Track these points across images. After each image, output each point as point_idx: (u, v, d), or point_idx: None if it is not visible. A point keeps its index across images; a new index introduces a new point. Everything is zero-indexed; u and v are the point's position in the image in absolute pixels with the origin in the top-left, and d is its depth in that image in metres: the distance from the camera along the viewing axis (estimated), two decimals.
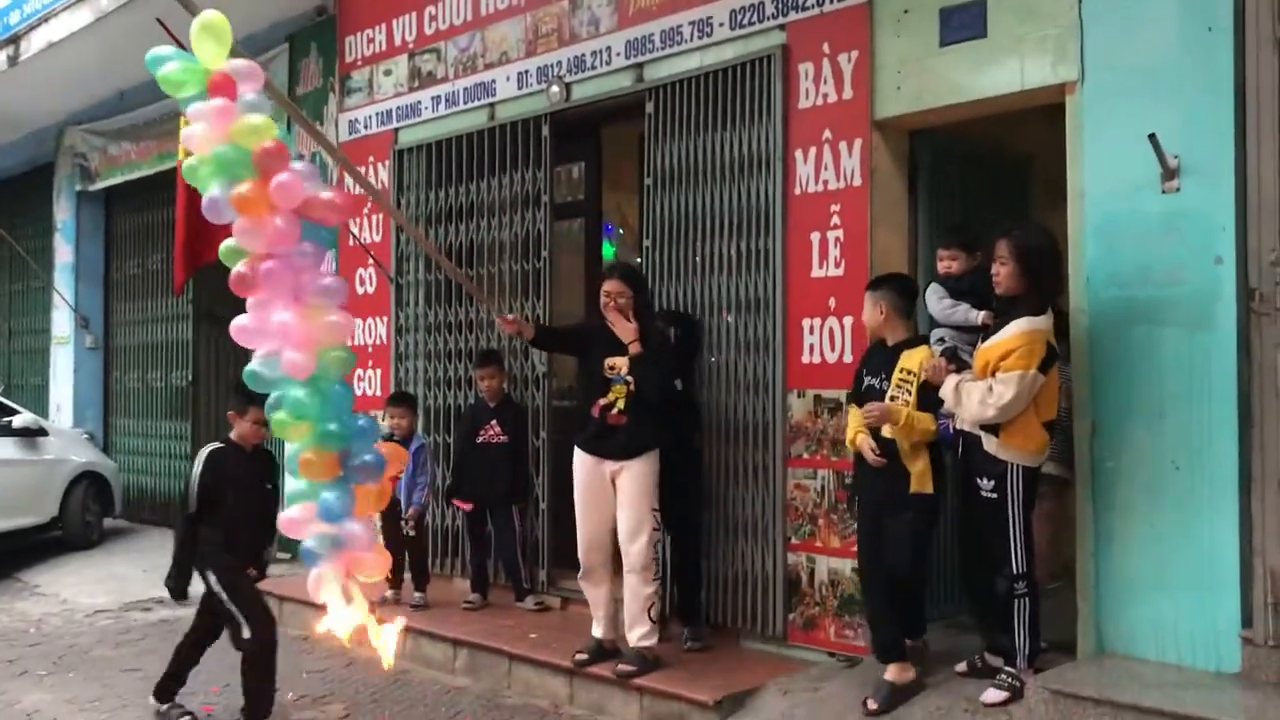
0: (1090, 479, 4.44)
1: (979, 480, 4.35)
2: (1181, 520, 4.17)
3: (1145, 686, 3.96)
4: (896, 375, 4.54)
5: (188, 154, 7.02)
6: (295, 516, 3.48)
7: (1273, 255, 3.88)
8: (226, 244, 3.42)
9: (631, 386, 5.12)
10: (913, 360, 4.51)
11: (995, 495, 4.29)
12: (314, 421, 3.40)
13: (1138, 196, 4.30)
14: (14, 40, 9.54)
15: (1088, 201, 4.49)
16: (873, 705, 4.42)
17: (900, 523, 4.47)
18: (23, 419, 9.32)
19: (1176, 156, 4.18)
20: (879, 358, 4.69)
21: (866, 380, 4.70)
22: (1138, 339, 4.30)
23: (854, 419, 4.75)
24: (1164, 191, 4.23)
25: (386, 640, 3.60)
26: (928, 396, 4.43)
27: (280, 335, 3.34)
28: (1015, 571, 4.27)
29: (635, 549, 5.11)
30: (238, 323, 3.44)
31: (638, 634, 5.16)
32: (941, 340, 4.72)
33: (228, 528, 4.98)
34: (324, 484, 3.44)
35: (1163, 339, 4.23)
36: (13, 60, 9.58)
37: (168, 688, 5.28)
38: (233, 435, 5.16)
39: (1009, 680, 4.29)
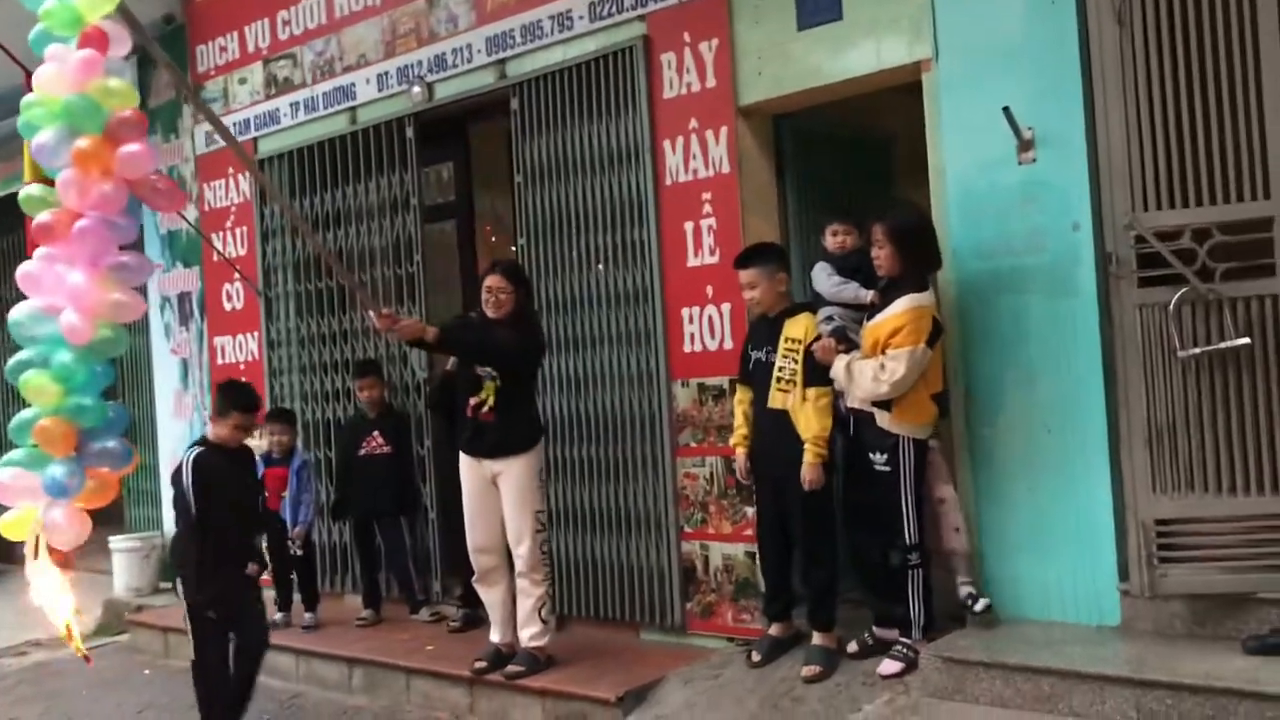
0: (967, 447, 4.54)
1: (871, 455, 4.41)
2: (1056, 481, 4.29)
3: (1033, 646, 4.06)
4: (782, 345, 4.58)
5: (35, 174, 6.74)
6: (7, 482, 3.31)
7: (1126, 220, 4.00)
8: (28, 191, 3.31)
9: (498, 382, 5.06)
10: (796, 328, 4.57)
11: (888, 469, 4.35)
12: (72, 391, 3.28)
13: (996, 169, 4.40)
14: None
15: (949, 177, 4.58)
16: (814, 671, 4.47)
17: (796, 494, 4.53)
18: None
19: (1030, 128, 4.29)
20: (763, 331, 4.72)
21: (753, 355, 4.74)
22: (1004, 308, 4.41)
23: (741, 400, 4.82)
24: (1020, 163, 4.34)
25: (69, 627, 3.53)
26: (813, 364, 4.48)
27: (69, 296, 3.22)
28: (908, 542, 4.34)
29: (521, 551, 5.06)
30: (25, 268, 3.29)
31: (528, 634, 5.12)
32: (830, 319, 4.75)
33: (221, 532, 4.82)
34: (54, 458, 3.29)
35: (1028, 306, 4.34)
36: None
37: None
38: (211, 437, 5.00)
39: (904, 651, 4.36)
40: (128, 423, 3.69)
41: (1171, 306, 3.90)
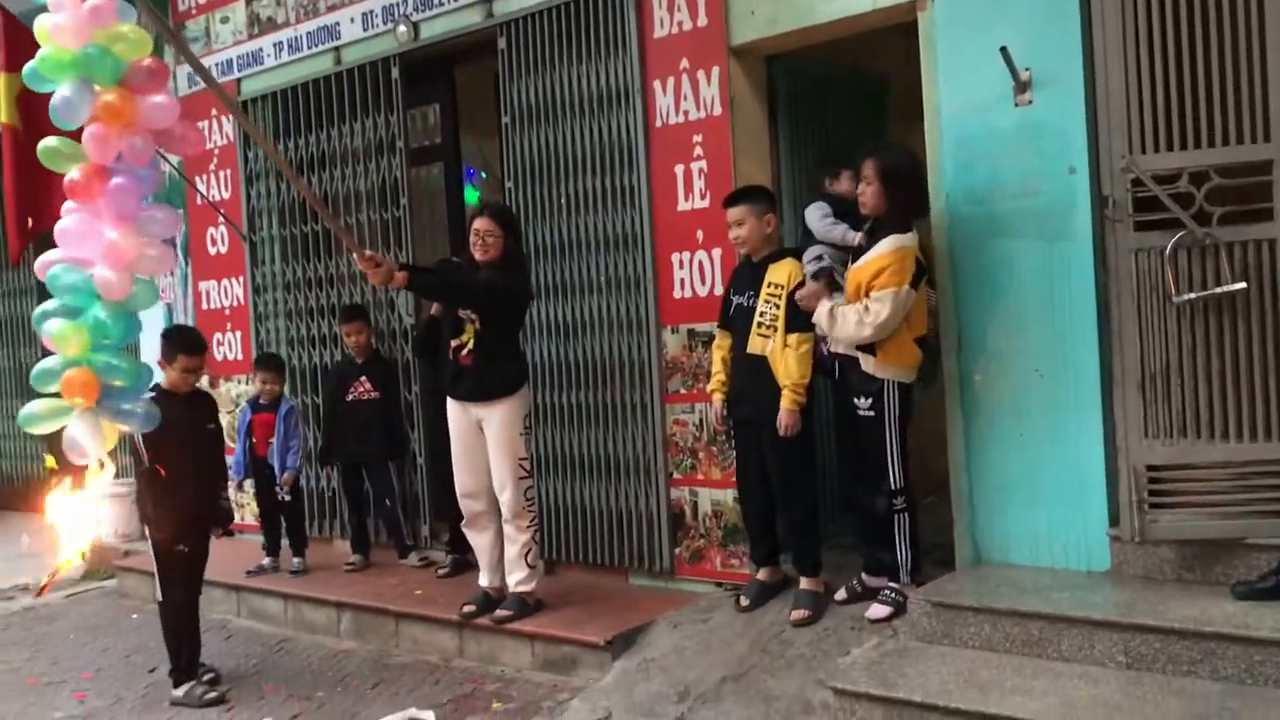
0: (959, 393, 4.51)
1: (856, 400, 4.38)
2: (1048, 427, 4.27)
3: (1022, 591, 4.07)
4: (765, 290, 4.55)
5: (13, 106, 6.57)
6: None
7: (1123, 163, 3.94)
8: (48, 143, 3.27)
9: (478, 325, 5.01)
10: (780, 273, 4.54)
11: (873, 413, 4.33)
12: (108, 346, 3.27)
13: (991, 111, 4.33)
14: None
15: (943, 118, 4.50)
16: (802, 615, 4.49)
17: (775, 439, 4.51)
18: None
19: (1028, 69, 4.22)
20: (746, 275, 4.69)
21: (735, 300, 4.71)
22: (997, 252, 4.36)
23: (719, 345, 4.80)
24: (1017, 105, 4.27)
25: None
26: (796, 311, 4.44)
27: (102, 253, 3.21)
28: (893, 487, 4.34)
29: (506, 497, 5.05)
30: (62, 225, 3.30)
31: (516, 579, 5.13)
32: (820, 258, 4.68)
33: (175, 479, 4.82)
34: (75, 409, 3.30)
35: (1022, 251, 4.29)
36: None
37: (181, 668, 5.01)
38: (163, 383, 4.92)
39: (893, 595, 4.37)
40: (149, 386, 3.70)
41: (1168, 251, 3.85)
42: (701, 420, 5.20)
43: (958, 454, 4.53)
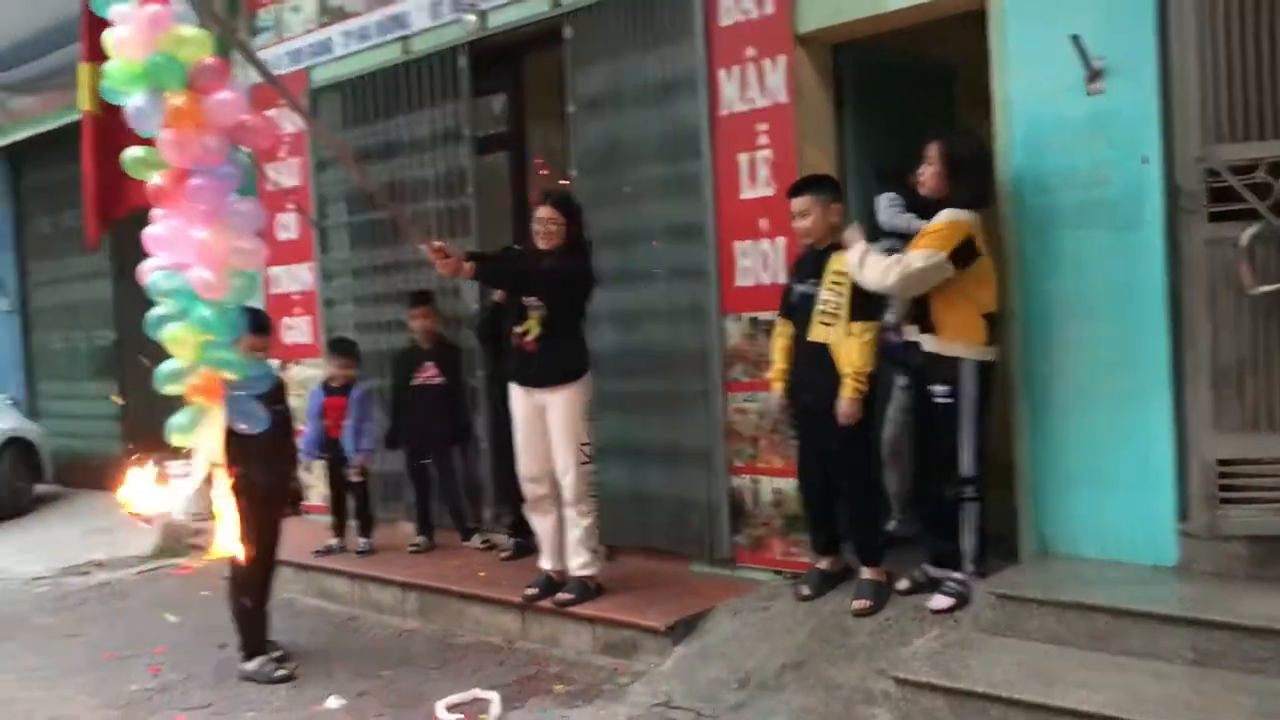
0: (1024, 382, 4.48)
1: (933, 388, 4.37)
2: (1116, 418, 4.22)
3: (1087, 584, 4.04)
4: (828, 278, 4.53)
5: (94, 95, 6.74)
6: None
7: (1198, 152, 3.89)
8: (133, 153, 3.35)
9: (542, 312, 5.06)
10: (844, 261, 4.49)
11: (949, 400, 4.32)
12: (217, 342, 3.36)
13: (1062, 100, 4.29)
14: None
15: (1013, 108, 4.46)
16: (864, 604, 4.49)
17: (835, 427, 4.49)
18: None
19: (1100, 58, 4.16)
20: (809, 263, 4.67)
21: (797, 289, 4.70)
22: (1066, 242, 4.31)
23: (781, 333, 4.79)
24: (1089, 94, 4.22)
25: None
26: (861, 299, 4.43)
27: (195, 253, 3.30)
28: (964, 475, 4.32)
29: (568, 482, 5.10)
30: (151, 231, 3.39)
31: (577, 564, 5.18)
32: (891, 250, 4.66)
33: (244, 459, 4.90)
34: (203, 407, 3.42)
35: (1091, 241, 4.25)
36: None
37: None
38: None
39: (956, 586, 4.35)
40: (272, 381, 3.81)
41: (1243, 242, 3.80)
42: (763, 409, 5.21)
43: (1023, 444, 4.50)
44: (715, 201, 5.32)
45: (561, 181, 6.51)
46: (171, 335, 3.34)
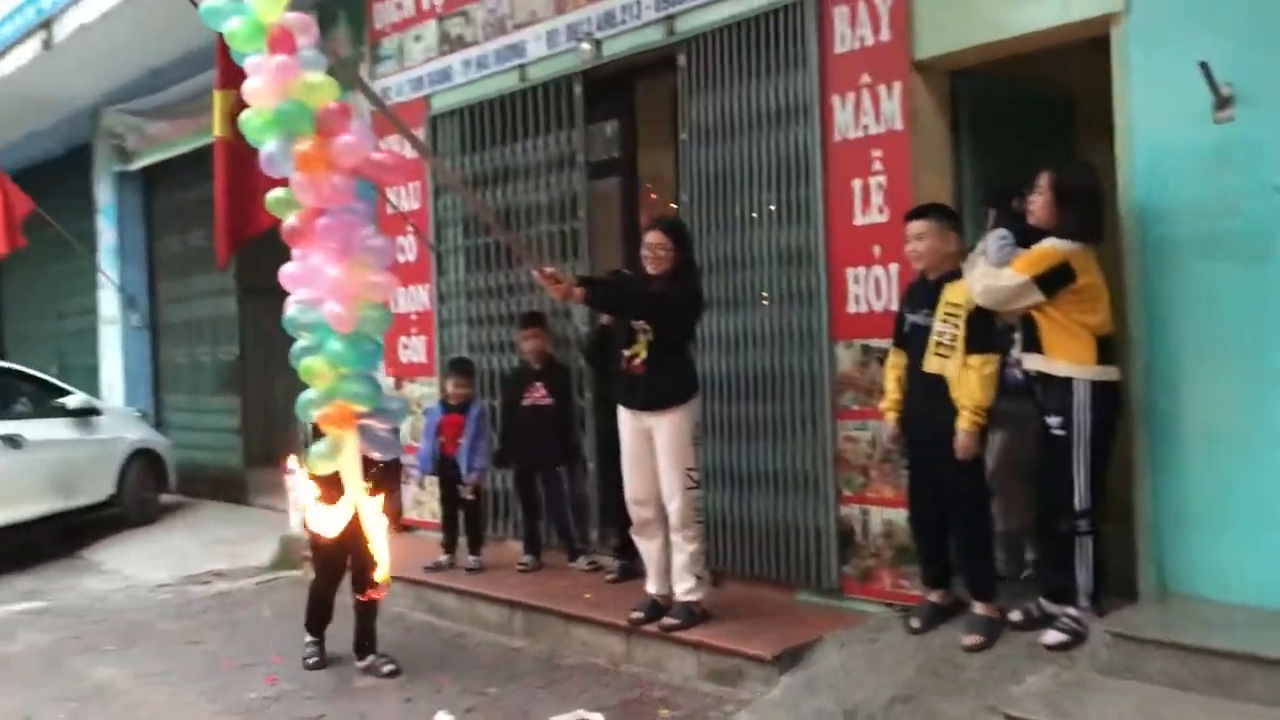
0: (1146, 417, 4.36)
1: (1047, 419, 4.30)
2: (1243, 457, 4.09)
3: (1211, 628, 3.91)
4: (942, 309, 4.49)
5: (227, 120, 7.03)
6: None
7: None
8: (274, 195, 3.50)
9: (651, 336, 5.10)
10: (958, 293, 4.46)
11: (1063, 431, 4.24)
12: (346, 375, 3.47)
13: (1189, 128, 4.19)
14: (47, 24, 9.59)
15: (1136, 137, 4.37)
16: (976, 640, 4.42)
17: (950, 460, 4.44)
18: (77, 400, 9.47)
19: (1229, 85, 4.06)
20: (921, 293, 4.65)
21: (910, 318, 4.67)
22: (1192, 275, 4.20)
23: (893, 364, 4.78)
24: (1216, 121, 4.12)
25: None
26: (980, 331, 4.38)
27: (328, 289, 3.41)
28: (1078, 508, 4.22)
29: (674, 507, 5.13)
30: (287, 269, 3.53)
31: (683, 588, 5.19)
32: (1004, 237, 4.58)
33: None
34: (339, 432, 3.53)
35: (1219, 274, 4.13)
36: (46, 44, 9.63)
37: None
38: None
39: (1071, 623, 4.25)
40: (404, 415, 3.95)
41: None
42: (874, 438, 5.17)
43: (1144, 480, 4.38)
44: (827, 227, 5.31)
45: (670, 206, 6.58)
46: (308, 367, 3.47)
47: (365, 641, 5.48)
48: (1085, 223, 4.25)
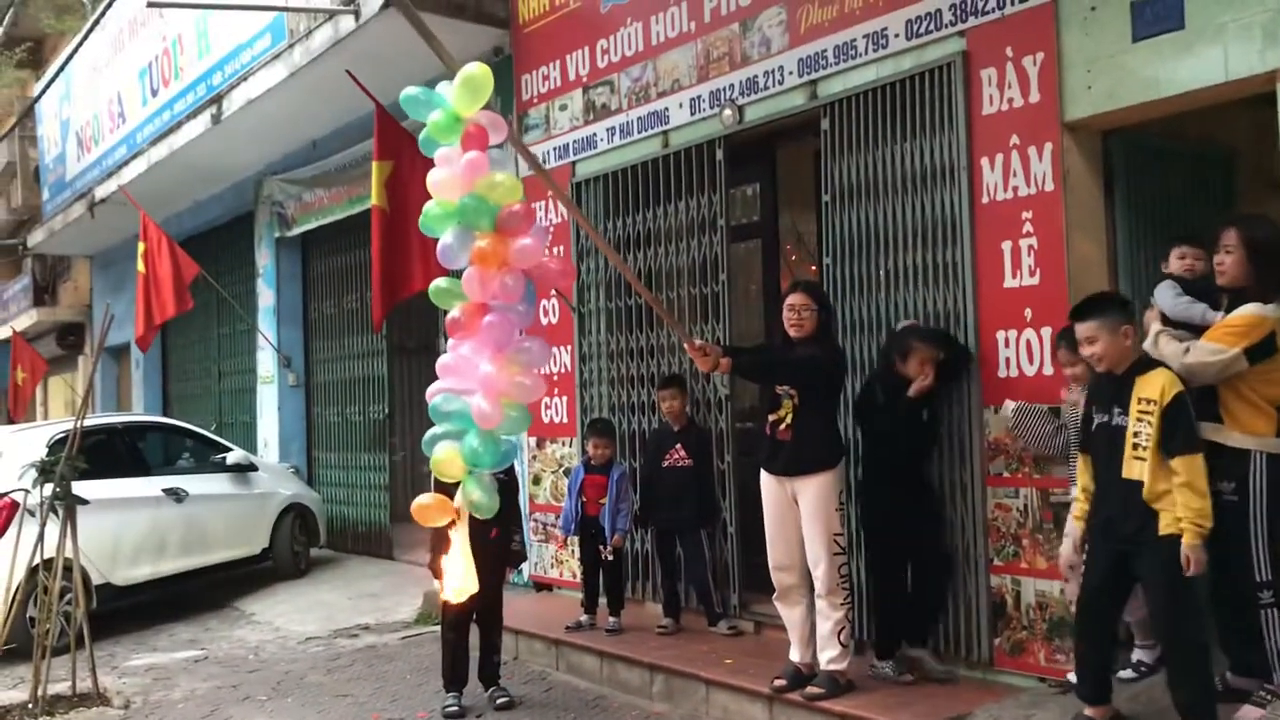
0: None
1: (1220, 484, 4.08)
2: None
3: None
4: (1135, 407, 4.01)
5: (383, 190, 7.29)
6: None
7: None
8: (438, 284, 3.55)
9: (796, 400, 5.07)
10: (1151, 387, 3.98)
11: (1236, 498, 4.06)
12: (479, 472, 3.46)
13: None
14: (217, 99, 10.20)
15: None
16: None
17: (1153, 569, 4.02)
18: (235, 455, 9.89)
19: None
20: (1108, 389, 4.18)
21: (1096, 419, 4.22)
22: None
23: (1082, 470, 4.36)
24: None
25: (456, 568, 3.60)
26: (1173, 428, 3.91)
27: (480, 383, 3.42)
28: (1259, 579, 4.03)
29: (819, 573, 5.07)
30: (443, 360, 3.56)
31: (827, 657, 5.11)
32: (1179, 293, 4.49)
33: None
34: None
35: None
36: (216, 119, 10.23)
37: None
38: None
39: (1267, 697, 4.04)
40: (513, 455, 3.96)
41: None
42: (1027, 506, 5.02)
43: None
44: (976, 290, 5.23)
45: (812, 269, 6.56)
46: (440, 456, 3.46)
47: (488, 672, 5.88)
48: (1277, 281, 4.07)
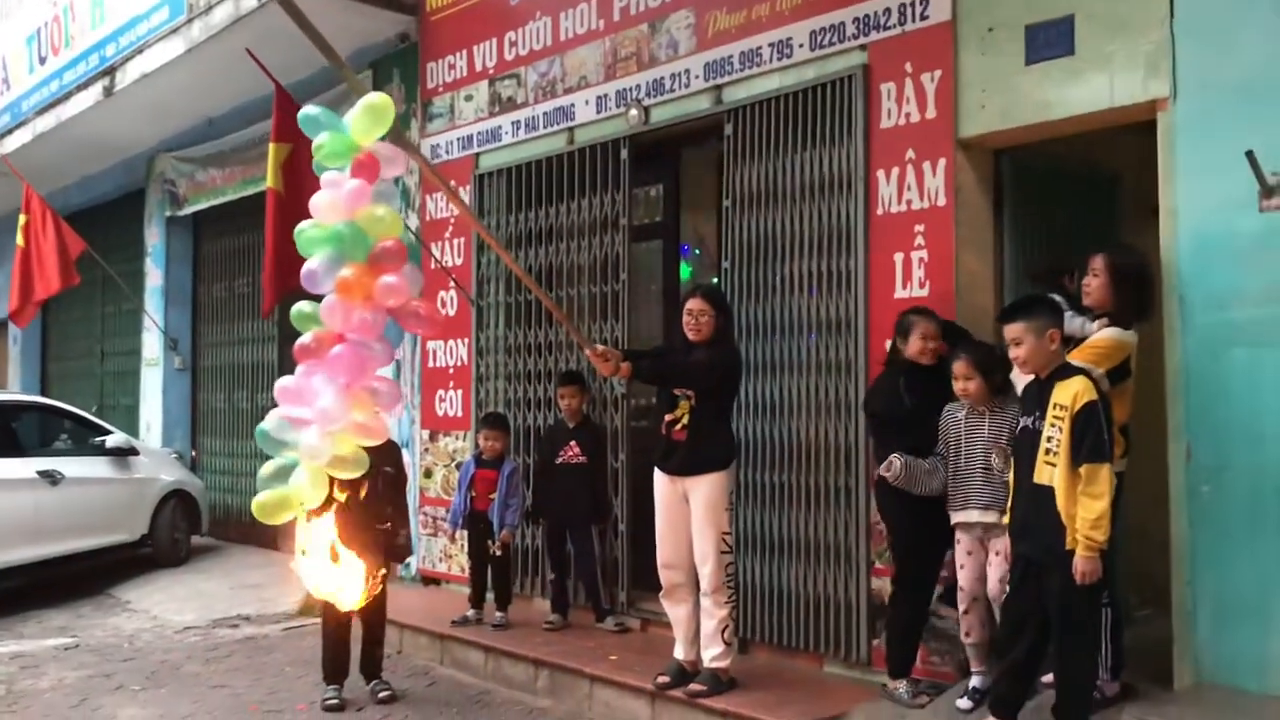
0: (1185, 504, 4.33)
1: None
2: None
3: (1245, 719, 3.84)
4: (1050, 413, 3.99)
5: (279, 172, 7.12)
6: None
7: None
8: (300, 308, 3.45)
9: (693, 402, 5.13)
10: (1066, 393, 3.95)
11: None
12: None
13: (1235, 215, 4.20)
14: (110, 72, 9.86)
15: (1181, 221, 4.39)
16: None
17: (1053, 592, 3.97)
18: (115, 439, 9.58)
19: (1276, 174, 4.07)
20: (1034, 394, 4.16)
21: (1022, 422, 4.20)
22: (1236, 361, 4.19)
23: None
24: (1262, 210, 4.12)
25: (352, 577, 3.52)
26: (1081, 436, 3.87)
27: (316, 415, 3.30)
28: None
29: (706, 571, 5.13)
30: (283, 382, 3.43)
31: (711, 655, 5.17)
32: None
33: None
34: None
35: (1263, 361, 4.12)
36: (108, 91, 9.89)
37: None
38: None
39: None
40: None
41: None
42: None
43: (1181, 567, 4.33)
44: (868, 298, 5.34)
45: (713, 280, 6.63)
46: (270, 500, 3.32)
47: (370, 665, 5.81)
48: (1142, 305, 4.29)
